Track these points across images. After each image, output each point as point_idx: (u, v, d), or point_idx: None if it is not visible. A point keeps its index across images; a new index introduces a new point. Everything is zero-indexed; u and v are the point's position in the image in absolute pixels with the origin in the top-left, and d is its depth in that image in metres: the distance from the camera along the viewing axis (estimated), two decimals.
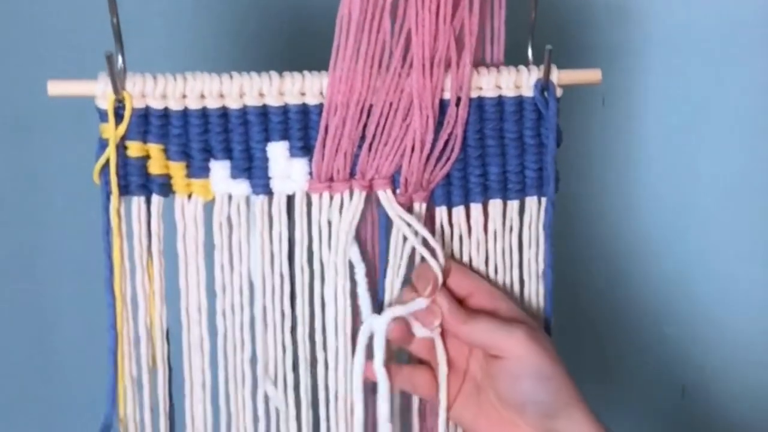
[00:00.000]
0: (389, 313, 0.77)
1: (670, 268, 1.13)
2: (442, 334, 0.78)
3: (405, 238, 0.78)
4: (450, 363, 0.79)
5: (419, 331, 0.78)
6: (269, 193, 0.76)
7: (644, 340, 1.15)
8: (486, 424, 0.77)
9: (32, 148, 1.09)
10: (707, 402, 1.16)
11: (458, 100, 0.77)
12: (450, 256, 0.80)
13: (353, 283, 0.78)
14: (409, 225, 0.77)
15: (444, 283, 0.78)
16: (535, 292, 0.82)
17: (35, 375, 1.15)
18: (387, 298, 0.79)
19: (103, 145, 0.74)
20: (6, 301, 1.13)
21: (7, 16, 1.04)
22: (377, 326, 0.77)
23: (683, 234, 1.12)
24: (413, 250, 0.78)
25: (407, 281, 0.79)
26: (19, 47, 1.05)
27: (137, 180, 0.75)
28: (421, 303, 0.77)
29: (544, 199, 0.80)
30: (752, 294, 1.13)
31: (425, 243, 0.78)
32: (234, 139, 0.75)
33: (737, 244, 1.11)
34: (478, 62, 0.79)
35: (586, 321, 1.13)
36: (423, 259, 0.78)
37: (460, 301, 0.78)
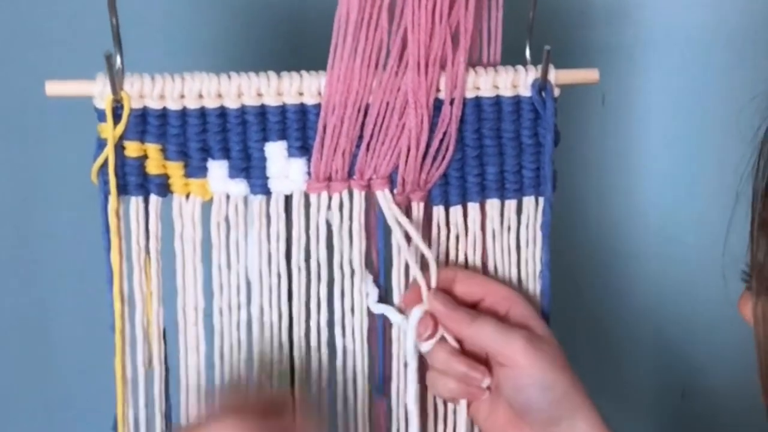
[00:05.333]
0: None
1: (670, 268, 1.13)
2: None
3: (408, 241, 0.78)
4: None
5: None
6: (267, 192, 0.76)
7: (644, 342, 1.15)
8: (496, 424, 0.77)
9: (30, 148, 1.09)
10: (707, 404, 1.16)
11: (453, 99, 0.77)
12: (455, 264, 0.80)
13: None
14: (404, 231, 0.77)
15: (450, 291, 0.78)
16: (533, 292, 0.82)
17: (33, 375, 1.15)
18: (396, 301, 0.79)
19: (101, 145, 0.74)
20: (4, 301, 1.13)
21: (5, 15, 1.04)
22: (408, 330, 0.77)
23: (683, 234, 1.12)
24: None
25: None
26: (17, 47, 1.05)
27: (135, 180, 0.75)
28: (416, 314, 0.77)
29: (541, 199, 0.80)
30: None
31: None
32: (232, 139, 0.75)
33: (737, 244, 1.11)
34: (476, 63, 0.79)
35: (585, 322, 1.13)
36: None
37: (472, 306, 0.78)
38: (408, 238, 0.78)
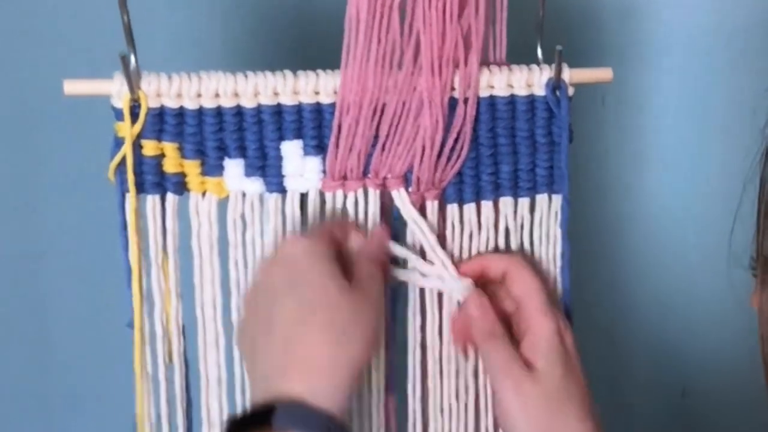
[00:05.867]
0: None
1: (671, 268, 1.13)
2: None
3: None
4: None
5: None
6: (283, 191, 0.77)
7: (644, 340, 1.15)
8: None
9: (33, 147, 1.09)
10: (707, 403, 1.17)
11: (467, 98, 0.77)
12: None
13: None
14: (422, 231, 0.78)
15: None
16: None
17: (33, 375, 1.15)
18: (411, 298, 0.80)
19: (118, 143, 0.74)
20: (4, 301, 1.13)
21: (18, 16, 1.04)
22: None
23: (684, 234, 1.12)
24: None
25: None
26: (29, 47, 1.05)
27: (152, 178, 0.75)
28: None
29: (554, 196, 0.80)
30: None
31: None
32: (248, 138, 0.76)
33: (738, 243, 1.12)
34: (483, 63, 0.79)
35: (586, 321, 1.13)
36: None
37: (496, 280, 0.79)
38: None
